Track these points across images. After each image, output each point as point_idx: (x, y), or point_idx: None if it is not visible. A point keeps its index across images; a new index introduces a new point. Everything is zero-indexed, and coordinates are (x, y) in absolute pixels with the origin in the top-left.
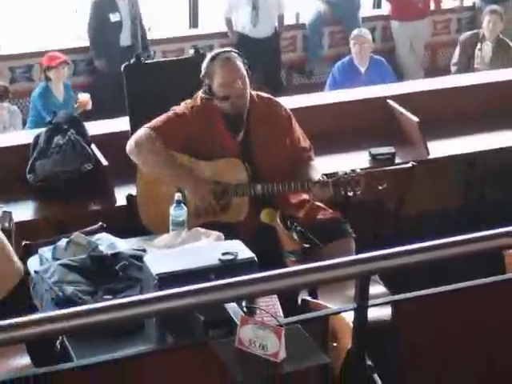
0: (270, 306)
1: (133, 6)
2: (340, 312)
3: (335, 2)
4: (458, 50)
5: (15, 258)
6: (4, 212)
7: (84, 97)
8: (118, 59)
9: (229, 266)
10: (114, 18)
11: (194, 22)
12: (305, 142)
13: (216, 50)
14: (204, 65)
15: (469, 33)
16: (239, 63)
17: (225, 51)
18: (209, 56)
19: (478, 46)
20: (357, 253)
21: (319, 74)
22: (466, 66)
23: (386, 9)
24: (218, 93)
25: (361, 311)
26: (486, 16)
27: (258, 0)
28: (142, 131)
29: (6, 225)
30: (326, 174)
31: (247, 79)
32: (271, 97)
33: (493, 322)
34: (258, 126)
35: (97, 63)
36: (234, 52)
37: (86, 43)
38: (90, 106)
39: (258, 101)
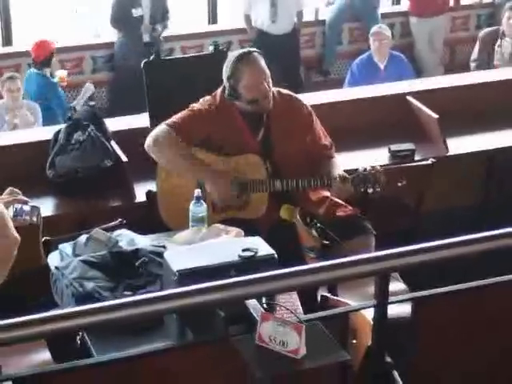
0: (290, 302)
1: (156, 2)
2: (360, 309)
3: None
4: (477, 47)
5: (9, 230)
6: (32, 207)
7: (60, 73)
8: (138, 55)
9: (249, 263)
10: (135, 12)
11: (213, 18)
12: (326, 139)
13: (239, 51)
14: (228, 66)
15: (489, 29)
16: (264, 64)
17: (249, 52)
18: (232, 57)
19: (498, 42)
20: (376, 250)
21: (338, 70)
22: (486, 62)
23: (404, 5)
24: (246, 95)
25: (381, 308)
26: (505, 12)
27: None
28: (161, 128)
29: (34, 219)
30: (345, 171)
31: (270, 80)
32: (291, 93)
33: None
34: (278, 123)
35: (118, 58)
36: (257, 52)
37: (105, 39)
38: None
39: (278, 98)
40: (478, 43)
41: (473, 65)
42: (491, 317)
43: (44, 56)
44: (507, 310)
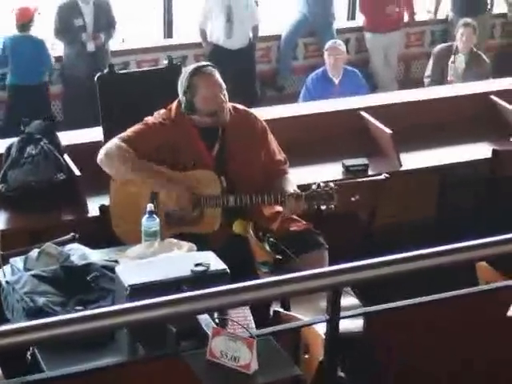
0: (242, 317)
1: (99, 11)
2: (312, 324)
3: (310, 13)
4: (431, 62)
5: None
6: None
7: None
8: (85, 66)
9: (201, 278)
10: (77, 22)
11: (168, 32)
12: (280, 155)
13: (193, 65)
14: (183, 80)
15: (442, 45)
16: (219, 77)
17: (204, 65)
18: (188, 70)
19: (452, 58)
20: (330, 264)
21: (292, 85)
22: (440, 78)
23: (360, 20)
24: (202, 108)
25: (333, 323)
26: (459, 29)
27: (232, 11)
28: (112, 142)
29: None
30: (299, 186)
31: (226, 93)
32: (246, 109)
33: (464, 333)
34: (234, 138)
35: (66, 70)
36: (211, 66)
37: (60, 52)
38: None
39: (233, 113)
40: (431, 59)
41: (427, 80)
42: (443, 331)
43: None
44: (458, 323)
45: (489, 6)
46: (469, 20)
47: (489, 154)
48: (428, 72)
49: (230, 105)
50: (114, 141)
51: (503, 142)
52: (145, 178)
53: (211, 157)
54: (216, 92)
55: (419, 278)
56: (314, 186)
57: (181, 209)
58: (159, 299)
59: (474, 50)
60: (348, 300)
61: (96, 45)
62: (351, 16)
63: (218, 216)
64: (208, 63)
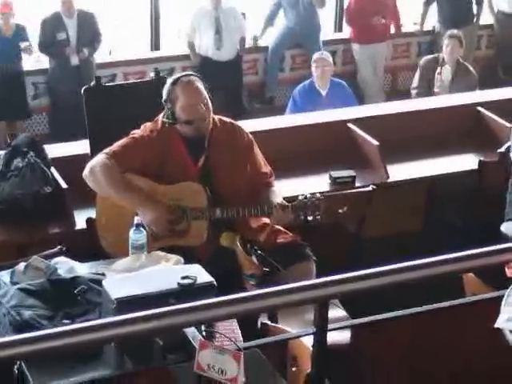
0: (230, 330)
1: (82, 25)
2: (299, 336)
3: (296, 25)
4: (417, 74)
5: None
6: None
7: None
8: (70, 79)
9: (188, 290)
10: (60, 36)
11: (155, 45)
12: (265, 168)
13: (177, 74)
14: (165, 89)
15: (429, 57)
16: (201, 86)
17: (186, 75)
18: (170, 80)
19: (438, 69)
20: (317, 276)
21: (280, 97)
22: (426, 89)
23: (346, 32)
24: (181, 117)
25: (320, 335)
26: (445, 40)
27: (220, 24)
28: (98, 157)
29: None
30: (286, 198)
31: (209, 102)
32: (233, 121)
33: (451, 344)
34: (219, 151)
35: (52, 83)
36: (195, 75)
37: (45, 65)
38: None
39: (219, 125)
40: (418, 70)
41: (413, 92)
42: (431, 342)
43: None
44: (445, 335)
45: (475, 18)
46: (455, 31)
47: (475, 166)
48: (415, 83)
49: (216, 117)
50: (100, 156)
51: (490, 154)
52: (125, 199)
53: (197, 168)
54: (194, 101)
55: (407, 290)
56: (300, 197)
57: (158, 230)
58: (146, 312)
59: (461, 61)
60: (335, 312)
61: (80, 58)
62: (338, 28)
63: (205, 228)
64: (191, 73)
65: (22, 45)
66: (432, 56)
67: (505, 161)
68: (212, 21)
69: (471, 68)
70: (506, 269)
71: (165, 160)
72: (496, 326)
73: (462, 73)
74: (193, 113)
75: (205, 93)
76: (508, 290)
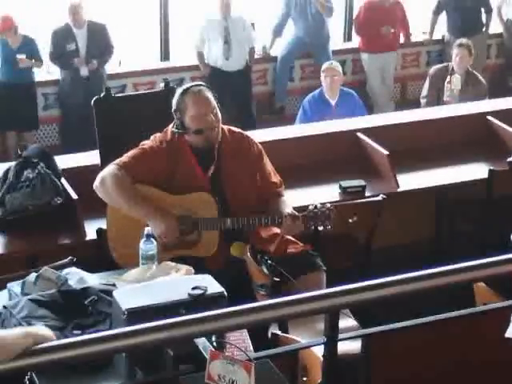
0: (240, 340)
1: (93, 36)
2: (310, 346)
3: (305, 34)
4: (427, 83)
5: None
6: None
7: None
8: (80, 90)
9: (198, 301)
10: (69, 47)
11: (165, 55)
12: (275, 178)
13: (186, 84)
14: (175, 99)
15: (438, 66)
16: (210, 96)
17: (195, 85)
18: (179, 90)
19: (448, 78)
20: (327, 286)
21: (289, 107)
22: (435, 98)
23: (356, 42)
24: (191, 127)
25: (330, 345)
26: (454, 50)
27: (229, 33)
28: (109, 168)
29: None
30: (296, 208)
31: (218, 113)
32: (242, 132)
33: (462, 354)
34: (229, 161)
35: (62, 94)
36: (204, 85)
37: (55, 76)
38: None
39: (229, 135)
40: (427, 79)
41: (423, 101)
42: (442, 352)
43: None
44: (457, 345)
45: (484, 27)
46: (464, 40)
47: (486, 175)
48: (424, 92)
49: (225, 127)
50: (110, 167)
51: (500, 163)
52: (136, 210)
53: (207, 178)
54: (204, 111)
55: (418, 299)
56: (310, 207)
57: (168, 240)
58: (157, 323)
59: (470, 70)
60: (346, 322)
61: (89, 69)
62: (347, 37)
63: (216, 239)
64: (200, 83)
65: (19, 57)
66: (441, 65)
67: None
68: (221, 31)
69: (480, 77)
70: None
71: (175, 170)
72: (507, 335)
73: (471, 82)
74: (202, 122)
75: (214, 103)
76: None
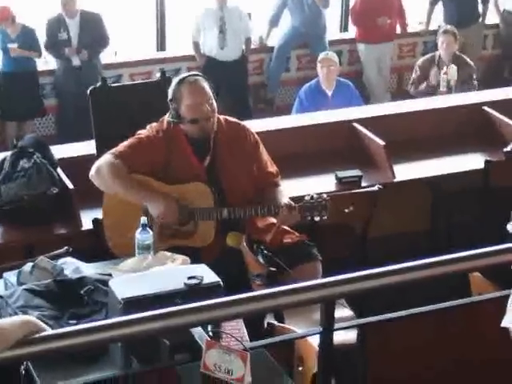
0: (236, 330)
1: (85, 25)
2: (305, 336)
3: (301, 25)
4: (414, 74)
5: None
6: None
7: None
8: (74, 80)
9: (194, 291)
10: (61, 36)
11: (161, 45)
12: (272, 167)
13: (182, 74)
14: (171, 89)
15: (425, 57)
16: (206, 86)
17: (191, 75)
18: (175, 80)
19: (444, 69)
20: (324, 276)
21: (284, 97)
22: (426, 88)
23: (352, 32)
24: (186, 116)
25: (326, 335)
26: (439, 37)
27: (225, 23)
28: (105, 157)
29: None
30: (292, 198)
31: (214, 102)
32: (238, 121)
33: (458, 344)
34: (225, 151)
35: (57, 84)
36: (200, 76)
37: (52, 66)
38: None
39: (225, 125)
40: (415, 71)
41: (412, 90)
42: (437, 342)
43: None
44: (451, 334)
45: (481, 17)
46: (448, 27)
47: (482, 165)
48: (412, 81)
49: (222, 117)
50: (106, 156)
51: (496, 153)
52: (133, 194)
53: (203, 168)
54: (200, 100)
55: (414, 289)
56: (307, 197)
57: (169, 221)
58: (153, 313)
59: (457, 53)
60: (342, 311)
61: (80, 59)
62: (344, 28)
63: (212, 229)
64: (196, 73)
65: (10, 46)
66: (428, 55)
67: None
68: (216, 20)
69: (468, 60)
70: None
71: (171, 160)
72: (503, 325)
73: (460, 65)
74: (198, 112)
75: (210, 93)
76: None
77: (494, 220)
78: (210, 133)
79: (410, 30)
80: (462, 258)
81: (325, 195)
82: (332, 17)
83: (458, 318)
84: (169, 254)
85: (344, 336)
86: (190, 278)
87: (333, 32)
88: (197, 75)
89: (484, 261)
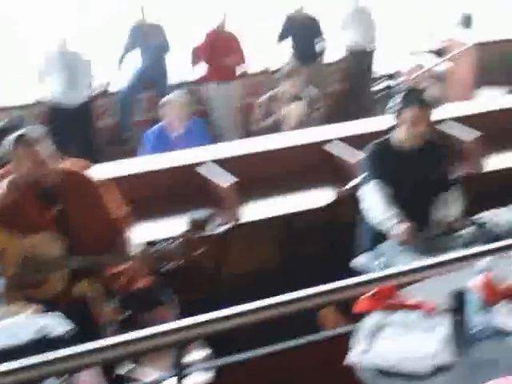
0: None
1: None
2: (159, 383)
3: (147, 68)
4: (258, 110)
5: None
6: None
7: None
8: None
9: (45, 342)
10: None
11: None
12: (121, 212)
13: (16, 133)
14: (2, 147)
15: (265, 95)
16: (37, 147)
17: (19, 135)
18: (6, 140)
19: (293, 105)
20: (180, 317)
21: (137, 138)
22: (270, 125)
23: (197, 72)
24: (19, 179)
25: (179, 378)
26: (283, 75)
27: (69, 68)
28: None
29: None
30: (144, 243)
31: (49, 157)
32: (78, 171)
33: (315, 379)
34: (71, 200)
35: None
36: (36, 131)
37: None
38: None
39: (67, 174)
40: (259, 106)
41: (256, 128)
42: (294, 379)
43: None
44: (307, 371)
45: (320, 56)
46: (290, 65)
47: (327, 202)
48: (257, 117)
49: (64, 165)
50: None
51: (340, 190)
52: None
53: (50, 218)
54: (31, 164)
55: (272, 325)
56: (158, 246)
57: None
58: (2, 367)
59: (301, 88)
60: (200, 353)
61: None
62: (190, 68)
63: (63, 278)
64: (26, 130)
65: None
66: (268, 94)
67: (354, 197)
68: (59, 66)
69: (312, 91)
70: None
71: (18, 210)
72: (347, 361)
73: (305, 99)
74: (30, 176)
75: (43, 150)
76: (365, 323)
77: (341, 255)
78: (51, 184)
79: (257, 69)
80: (313, 295)
81: (178, 239)
82: (180, 57)
83: (312, 353)
84: (20, 303)
85: (202, 377)
86: (40, 328)
87: (180, 72)
88: (24, 135)
89: (332, 296)
